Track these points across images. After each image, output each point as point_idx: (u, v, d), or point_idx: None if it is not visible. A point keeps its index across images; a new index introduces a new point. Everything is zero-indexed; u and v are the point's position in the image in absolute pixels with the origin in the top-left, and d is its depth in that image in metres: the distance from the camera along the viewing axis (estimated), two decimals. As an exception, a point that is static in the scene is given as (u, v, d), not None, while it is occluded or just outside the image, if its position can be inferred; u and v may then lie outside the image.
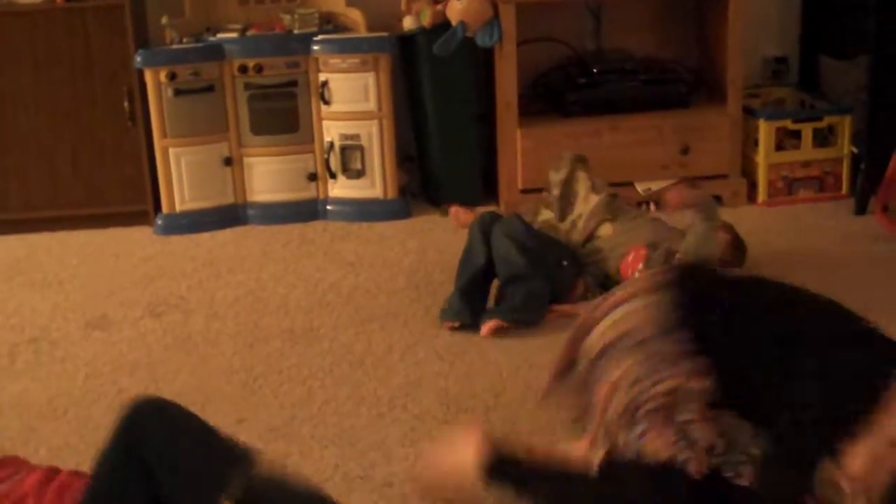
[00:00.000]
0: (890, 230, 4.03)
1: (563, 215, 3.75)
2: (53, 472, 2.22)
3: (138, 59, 4.33)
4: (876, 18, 4.12)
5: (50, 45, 4.38)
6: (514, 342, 3.30)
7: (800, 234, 4.10)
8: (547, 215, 3.79)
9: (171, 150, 4.40)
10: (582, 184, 3.76)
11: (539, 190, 4.27)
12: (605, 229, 3.64)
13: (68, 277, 4.02)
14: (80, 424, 2.95)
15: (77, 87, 4.43)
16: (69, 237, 4.45)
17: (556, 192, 3.76)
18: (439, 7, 4.38)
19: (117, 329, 3.54)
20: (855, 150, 4.36)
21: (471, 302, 3.43)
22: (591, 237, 3.65)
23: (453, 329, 3.38)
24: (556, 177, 3.77)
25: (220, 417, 2.92)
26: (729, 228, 3.69)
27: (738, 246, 3.66)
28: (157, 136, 4.39)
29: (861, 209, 4.24)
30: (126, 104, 4.42)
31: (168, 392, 3.09)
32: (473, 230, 3.59)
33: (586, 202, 3.72)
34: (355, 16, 4.54)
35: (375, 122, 4.41)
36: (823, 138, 4.41)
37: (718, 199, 4.37)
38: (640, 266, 3.38)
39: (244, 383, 3.13)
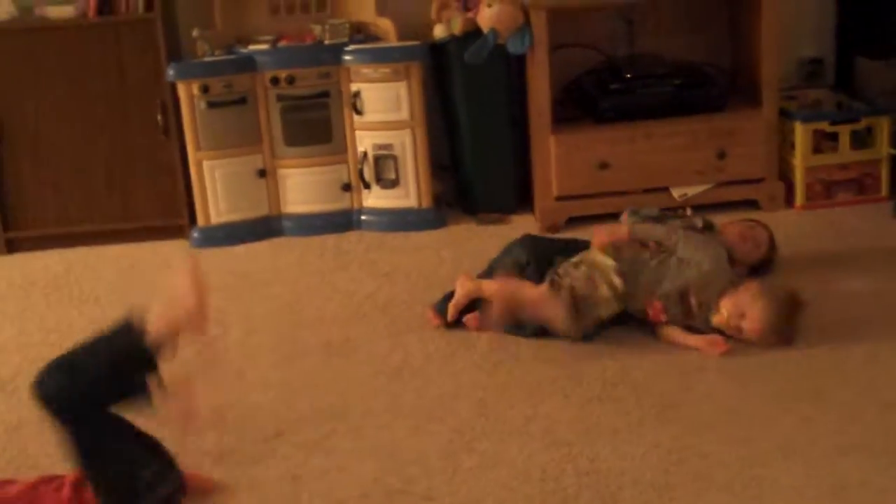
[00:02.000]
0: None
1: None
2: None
3: (170, 72, 4.34)
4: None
5: (82, 60, 4.40)
6: (553, 352, 3.27)
7: (838, 238, 4.06)
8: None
9: (205, 163, 4.41)
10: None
11: (576, 197, 4.25)
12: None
13: (105, 292, 4.03)
14: (119, 440, 2.95)
15: (110, 101, 4.45)
16: (105, 252, 4.46)
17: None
18: (470, 15, 4.36)
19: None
20: (894, 151, 4.31)
21: None
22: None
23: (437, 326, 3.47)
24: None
25: (258, 431, 2.93)
26: (741, 224, 3.67)
27: (753, 237, 3.61)
28: (191, 149, 4.40)
29: (901, 211, 4.19)
30: (159, 117, 4.43)
31: (206, 406, 3.08)
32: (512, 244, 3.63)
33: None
34: (386, 25, 4.54)
35: (408, 131, 4.40)
36: (861, 140, 4.35)
37: (755, 203, 4.34)
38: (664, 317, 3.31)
39: (282, 397, 3.12)
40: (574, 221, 4.29)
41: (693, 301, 3.24)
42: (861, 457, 2.60)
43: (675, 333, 3.26)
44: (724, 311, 3.21)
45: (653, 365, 3.16)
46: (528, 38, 4.25)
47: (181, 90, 4.36)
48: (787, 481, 2.53)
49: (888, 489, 2.47)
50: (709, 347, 3.17)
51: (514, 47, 4.28)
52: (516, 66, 4.44)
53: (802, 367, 3.08)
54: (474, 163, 4.54)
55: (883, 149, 4.33)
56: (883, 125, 4.31)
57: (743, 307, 3.19)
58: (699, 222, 3.67)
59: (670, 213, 3.74)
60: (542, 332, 3.33)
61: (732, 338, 3.21)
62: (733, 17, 4.67)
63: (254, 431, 2.94)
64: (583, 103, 4.54)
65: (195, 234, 4.46)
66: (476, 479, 2.64)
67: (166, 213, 4.53)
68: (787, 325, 3.20)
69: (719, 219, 3.78)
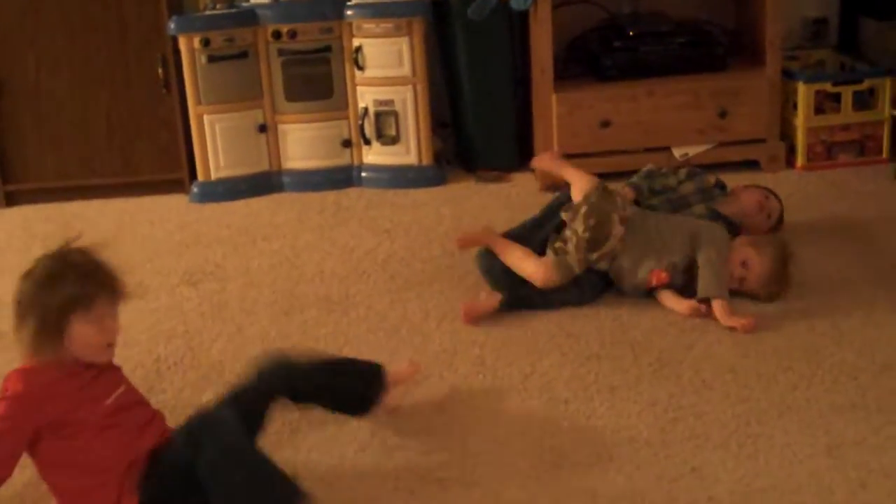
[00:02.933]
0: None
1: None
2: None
3: (172, 25, 4.32)
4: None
5: (83, 13, 4.38)
6: (552, 311, 3.27)
7: (839, 199, 4.05)
8: None
9: (205, 118, 4.40)
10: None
11: (577, 155, 4.24)
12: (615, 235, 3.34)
13: (104, 246, 4.02)
14: (117, 393, 2.96)
15: (111, 54, 4.43)
16: (105, 206, 4.46)
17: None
18: (473, -30, 4.34)
19: (154, 297, 3.55)
20: (896, 113, 4.30)
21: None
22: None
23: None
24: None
25: (257, 386, 2.94)
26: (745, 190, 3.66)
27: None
28: (191, 104, 4.39)
29: (902, 174, 4.18)
30: (160, 71, 4.42)
31: (205, 361, 3.10)
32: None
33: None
34: (389, -20, 4.51)
35: (410, 87, 4.38)
36: (864, 101, 4.34)
37: (756, 163, 4.33)
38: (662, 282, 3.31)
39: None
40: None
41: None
42: (856, 416, 2.61)
43: (668, 298, 3.26)
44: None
45: (651, 323, 3.17)
46: None
47: (182, 44, 4.34)
48: (783, 439, 2.54)
49: (882, 448, 2.48)
50: (694, 314, 3.18)
51: (517, 3, 4.25)
52: (519, 23, 4.42)
53: (800, 328, 3.08)
54: (475, 120, 4.53)
55: (885, 110, 4.32)
56: (885, 86, 4.30)
57: (744, 256, 3.25)
58: (712, 180, 3.68)
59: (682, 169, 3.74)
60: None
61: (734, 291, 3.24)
62: (738, -25, 4.65)
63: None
64: (586, 61, 4.52)
65: (195, 189, 4.46)
66: (473, 434, 2.65)
67: (166, 167, 4.53)
68: (785, 272, 3.27)
69: (724, 178, 3.78)
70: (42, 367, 2.25)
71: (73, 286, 2.25)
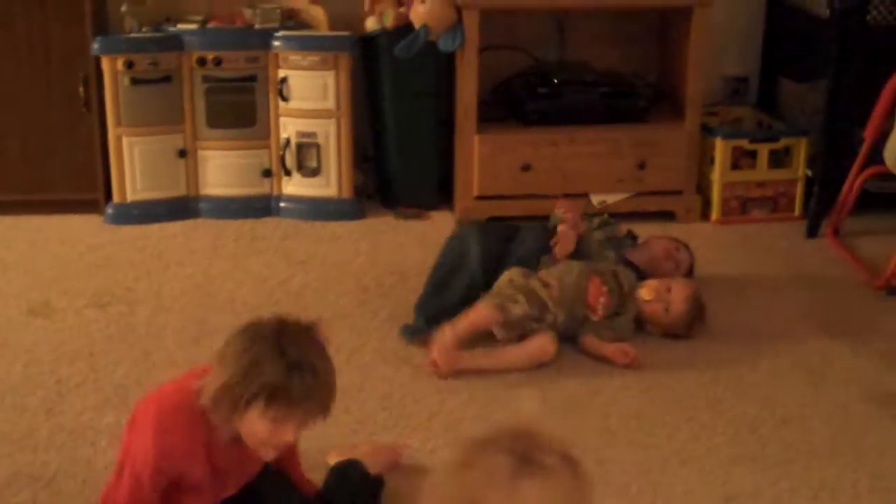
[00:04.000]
0: (840, 254, 4.05)
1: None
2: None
3: (96, 45, 4.27)
4: (836, 44, 4.15)
5: (6, 28, 4.30)
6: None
7: (751, 254, 4.12)
8: None
9: (124, 139, 4.35)
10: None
11: (496, 197, 4.27)
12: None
13: (13, 263, 3.96)
14: (15, 413, 2.91)
15: (33, 70, 4.36)
16: (16, 222, 4.38)
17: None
18: (402, 9, 4.36)
19: (60, 317, 3.49)
20: (809, 172, 4.38)
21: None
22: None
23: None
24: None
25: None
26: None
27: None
28: (111, 125, 4.34)
29: (813, 231, 4.26)
30: (81, 90, 4.36)
31: (107, 384, 3.06)
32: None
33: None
34: (318, 13, 4.51)
35: (333, 120, 4.38)
36: (779, 159, 4.43)
37: (672, 215, 4.39)
38: (603, 299, 3.34)
39: (186, 378, 3.09)
40: (493, 221, 4.31)
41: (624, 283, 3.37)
42: (754, 468, 2.65)
43: (592, 342, 3.28)
44: (652, 285, 3.38)
45: (559, 368, 3.18)
46: (459, 36, 4.25)
47: (105, 65, 4.29)
48: (682, 487, 2.56)
49: (777, 499, 2.52)
50: (620, 356, 3.20)
51: (445, 45, 4.28)
52: (446, 64, 4.45)
53: (705, 378, 3.12)
54: (398, 157, 4.53)
55: (800, 169, 4.41)
56: (801, 146, 4.39)
57: (668, 283, 3.40)
58: (624, 230, 3.73)
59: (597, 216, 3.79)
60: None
61: (647, 328, 3.35)
62: (663, 31, 4.72)
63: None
64: (510, 105, 4.56)
65: (109, 211, 4.40)
66: (375, 470, 2.63)
67: (81, 187, 4.45)
68: (702, 308, 3.39)
69: (638, 228, 3.83)
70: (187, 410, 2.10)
71: (279, 376, 2.03)
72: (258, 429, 2.06)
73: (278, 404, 2.03)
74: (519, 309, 3.24)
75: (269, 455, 2.16)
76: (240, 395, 2.03)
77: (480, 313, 3.25)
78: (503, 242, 3.59)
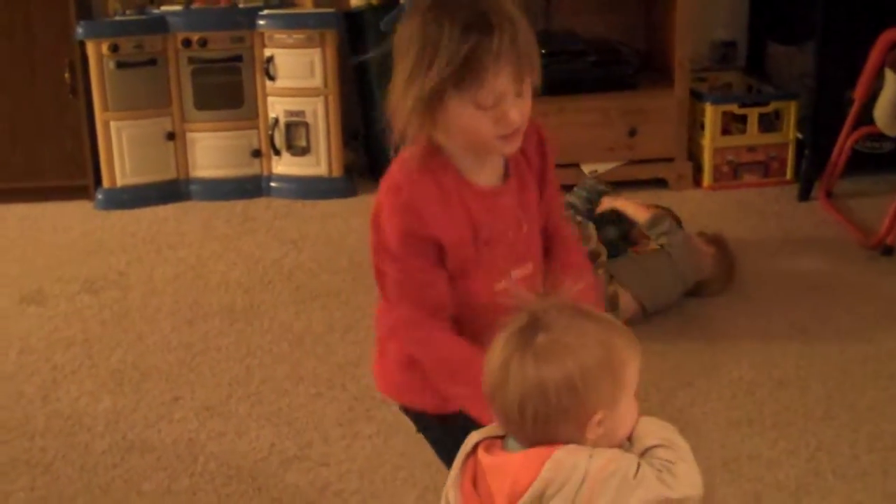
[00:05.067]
0: (832, 216, 4.05)
1: None
2: None
3: (80, 30, 4.25)
4: (823, 5, 4.13)
5: (-11, 16, 4.30)
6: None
7: (744, 219, 4.11)
8: None
9: (112, 124, 4.33)
10: None
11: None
12: None
13: (4, 251, 3.95)
14: (11, 400, 2.90)
15: (17, 57, 4.35)
16: (6, 210, 4.37)
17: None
18: (387, -17, 4.34)
19: (53, 304, 3.49)
20: (800, 135, 4.37)
21: None
22: None
23: None
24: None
25: (156, 395, 2.90)
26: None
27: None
28: (98, 110, 4.32)
29: (805, 195, 4.25)
30: (67, 76, 4.34)
31: (103, 369, 3.05)
32: None
33: None
34: (302, -9, 4.50)
35: (321, 98, 4.36)
36: (769, 123, 4.41)
37: (664, 182, 4.38)
38: None
39: (181, 360, 3.09)
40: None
41: None
42: (751, 430, 2.65)
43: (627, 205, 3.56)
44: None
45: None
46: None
47: (90, 49, 4.27)
48: (680, 453, 2.56)
49: (776, 462, 2.52)
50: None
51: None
52: (432, 37, 4.42)
53: (700, 344, 3.12)
54: (387, 133, 4.51)
55: (790, 133, 4.40)
56: (791, 109, 4.38)
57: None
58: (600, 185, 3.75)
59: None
60: None
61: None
62: (649, -3, 4.71)
63: (151, 395, 2.91)
64: (498, 77, 4.53)
65: (99, 196, 4.39)
66: (373, 446, 2.64)
67: (71, 173, 4.44)
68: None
69: (634, 196, 3.82)
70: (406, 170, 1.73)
71: (453, 45, 1.58)
72: (465, 116, 1.65)
73: (471, 76, 1.61)
74: None
75: (505, 147, 1.72)
76: (424, 90, 1.64)
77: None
78: None
